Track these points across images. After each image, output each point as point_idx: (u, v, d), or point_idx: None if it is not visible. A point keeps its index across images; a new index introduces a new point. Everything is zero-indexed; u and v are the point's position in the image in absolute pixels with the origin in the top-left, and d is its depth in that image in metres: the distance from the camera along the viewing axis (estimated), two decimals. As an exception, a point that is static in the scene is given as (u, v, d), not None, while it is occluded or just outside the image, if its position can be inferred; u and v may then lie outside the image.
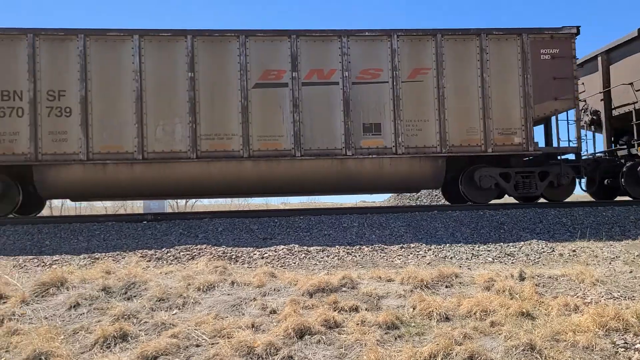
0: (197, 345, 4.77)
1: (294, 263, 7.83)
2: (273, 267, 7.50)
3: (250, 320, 5.23)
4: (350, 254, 8.18)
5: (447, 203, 13.92)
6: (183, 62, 10.98)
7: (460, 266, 7.48)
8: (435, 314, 5.35)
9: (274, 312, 5.53)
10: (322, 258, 8.02)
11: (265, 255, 8.08)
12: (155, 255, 8.18)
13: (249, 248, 8.44)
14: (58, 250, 8.48)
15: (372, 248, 8.44)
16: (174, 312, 5.63)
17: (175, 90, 10.96)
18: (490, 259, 7.95)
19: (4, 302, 5.79)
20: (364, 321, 5.22)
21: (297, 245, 8.49)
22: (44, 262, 7.80)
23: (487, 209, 10.72)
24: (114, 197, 12.06)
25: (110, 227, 9.65)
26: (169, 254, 8.21)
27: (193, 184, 11.14)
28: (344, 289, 6.21)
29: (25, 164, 10.59)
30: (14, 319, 5.38)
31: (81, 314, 5.57)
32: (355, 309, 5.57)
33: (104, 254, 8.28)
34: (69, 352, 4.62)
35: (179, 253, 8.23)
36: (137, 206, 28.96)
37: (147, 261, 7.94)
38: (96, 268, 7.11)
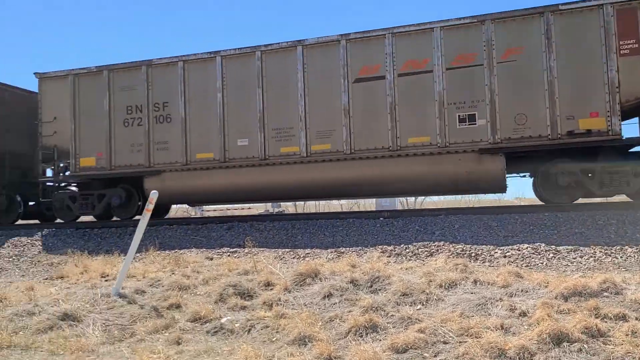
0: (445, 342, 4.75)
1: (541, 263, 7.26)
2: (517, 266, 7.07)
3: (498, 321, 5.00)
4: (610, 255, 7.24)
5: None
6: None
7: None
8: None
9: (524, 314, 5.20)
10: (574, 259, 7.28)
11: (508, 253, 7.67)
12: (395, 251, 8.44)
13: (489, 246, 8.12)
14: (309, 244, 9.39)
15: (637, 249, 7.33)
16: (418, 307, 5.72)
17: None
18: None
19: (271, 289, 6.62)
20: (635, 332, 4.54)
21: (543, 244, 7.86)
22: (298, 255, 8.70)
23: None
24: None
25: (351, 223, 10.30)
26: (407, 250, 8.39)
27: None
28: (605, 294, 5.51)
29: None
30: (280, 304, 6.11)
31: (334, 304, 6.04)
32: (623, 317, 4.88)
33: (347, 248, 8.88)
34: (327, 337, 5.04)
35: (417, 249, 8.35)
36: (368, 203, 30.28)
37: (387, 256, 8.25)
38: (342, 261, 7.65)
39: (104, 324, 5.86)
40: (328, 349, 4.70)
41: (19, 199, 14.22)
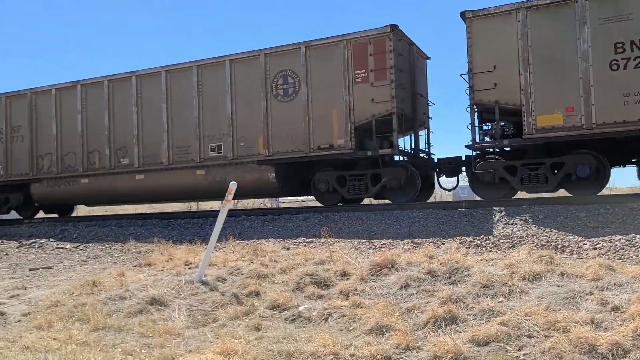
0: (529, 336, 4.55)
1: (636, 256, 6.76)
2: (609, 258, 6.64)
3: (588, 316, 4.72)
4: None
5: None
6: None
7: None
8: None
9: (616, 309, 4.87)
10: (673, 251, 6.72)
11: (598, 245, 7.21)
12: (474, 242, 8.19)
13: (576, 237, 7.68)
14: (384, 234, 9.30)
15: None
16: (499, 299, 5.52)
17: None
18: None
19: (347, 279, 6.63)
20: None
21: (638, 236, 7.32)
22: (374, 245, 8.66)
23: None
24: None
25: (428, 214, 10.10)
26: (487, 242, 8.11)
27: None
28: None
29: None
30: (357, 293, 6.11)
31: (411, 294, 5.96)
32: None
33: (424, 239, 8.71)
34: (405, 327, 4.98)
35: (499, 241, 8.04)
36: (445, 195, 29.43)
37: (466, 247, 8.01)
38: (419, 252, 7.51)
39: (188, 309, 6.13)
40: (406, 339, 4.64)
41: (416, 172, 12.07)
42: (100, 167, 14.32)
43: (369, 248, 8.57)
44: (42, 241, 11.83)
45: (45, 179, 15.10)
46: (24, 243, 11.83)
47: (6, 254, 11.04)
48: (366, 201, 14.13)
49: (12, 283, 8.11)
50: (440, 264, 6.66)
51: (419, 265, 6.73)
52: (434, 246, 8.22)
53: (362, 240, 9.03)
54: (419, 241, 8.63)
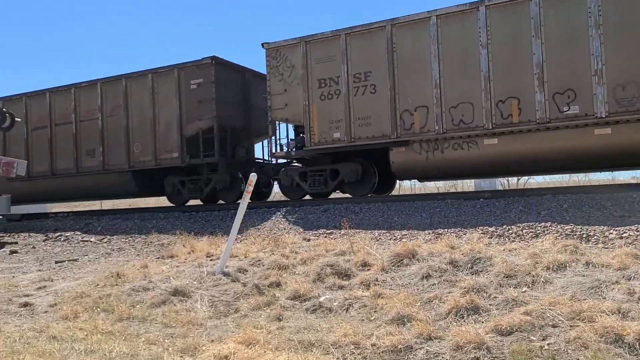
0: (554, 326, 4.48)
1: (664, 245, 6.60)
2: (636, 248, 6.48)
3: (614, 305, 4.62)
4: None
5: None
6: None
7: None
8: None
9: (644, 298, 4.76)
10: None
11: (625, 234, 7.05)
12: (497, 232, 8.08)
13: (602, 227, 7.52)
14: (405, 225, 9.25)
15: None
16: (523, 289, 5.44)
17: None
18: None
19: (368, 269, 6.61)
20: None
21: (666, 224, 7.15)
22: (394, 236, 8.61)
23: None
24: None
25: (449, 204, 10.01)
26: (510, 232, 8.00)
27: None
28: None
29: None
30: (378, 284, 6.08)
31: (433, 285, 5.92)
32: None
33: (445, 229, 8.64)
34: (427, 317, 4.94)
35: (521, 230, 7.93)
36: (466, 185, 29.32)
37: (488, 238, 7.92)
38: (441, 243, 7.45)
39: (210, 300, 6.18)
40: (428, 328, 4.61)
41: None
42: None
43: (390, 239, 8.53)
44: (67, 234, 12.05)
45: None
46: (50, 236, 12.06)
47: (33, 247, 11.28)
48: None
49: (39, 275, 8.29)
50: (462, 254, 6.60)
51: (441, 255, 6.68)
52: (456, 236, 8.14)
53: (383, 231, 8.99)
54: (440, 231, 8.56)
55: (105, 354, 4.33)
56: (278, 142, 13.49)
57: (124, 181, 14.86)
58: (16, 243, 11.85)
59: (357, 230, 9.03)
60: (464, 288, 5.50)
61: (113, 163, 15.00)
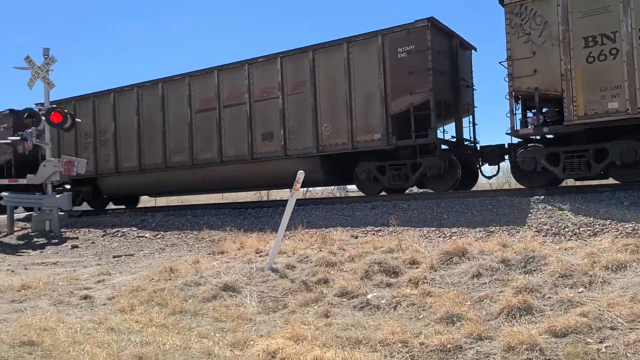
0: (612, 328, 4.29)
1: None
2: None
3: (679, 308, 4.38)
4: None
5: None
6: None
7: None
8: None
9: None
10: None
11: (691, 233, 6.67)
12: (552, 230, 7.82)
13: (666, 225, 7.14)
14: (455, 223, 9.08)
15: None
16: (579, 290, 5.24)
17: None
18: None
19: (416, 267, 6.54)
20: None
21: None
22: (444, 234, 8.47)
23: None
24: None
25: (501, 201, 9.75)
26: (566, 230, 7.72)
27: None
28: None
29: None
30: (426, 282, 6.01)
31: (483, 284, 5.79)
32: None
33: (497, 227, 8.42)
34: (477, 317, 4.84)
35: (578, 229, 7.63)
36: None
37: (542, 236, 7.67)
38: (492, 241, 7.27)
39: (259, 295, 6.28)
40: (478, 328, 4.52)
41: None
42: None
43: (439, 236, 8.40)
44: (124, 230, 12.53)
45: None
46: (108, 232, 12.58)
47: (92, 242, 11.79)
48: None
49: (98, 269, 8.65)
50: (515, 252, 6.42)
51: (492, 254, 6.52)
52: (508, 234, 7.93)
53: (432, 229, 8.86)
54: (491, 229, 8.36)
55: (159, 346, 4.47)
56: (516, 118, 10.82)
57: (310, 168, 12.27)
58: (77, 238, 12.43)
59: (406, 228, 8.94)
60: (517, 288, 5.35)
61: (295, 147, 13.27)
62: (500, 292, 5.42)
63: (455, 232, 8.46)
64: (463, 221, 9.13)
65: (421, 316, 5.15)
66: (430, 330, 4.68)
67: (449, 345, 4.30)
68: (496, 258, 6.29)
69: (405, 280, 6.16)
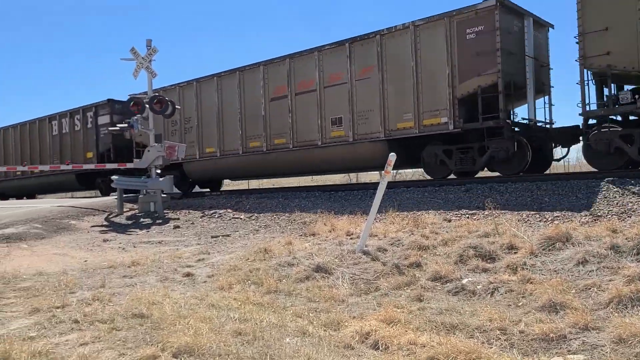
0: None
1: None
2: None
3: None
4: None
5: None
6: None
7: None
8: None
9: None
10: None
11: None
12: (668, 214, 7.13)
13: None
14: (557, 206, 8.56)
15: None
16: (703, 280, 4.75)
17: None
18: None
19: (515, 252, 6.25)
20: None
21: None
22: (545, 218, 8.02)
23: None
24: None
25: (611, 183, 9.03)
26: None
27: None
28: None
29: None
30: (526, 268, 5.73)
31: (590, 271, 5.41)
32: None
33: (606, 211, 7.84)
34: (583, 306, 4.55)
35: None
36: None
37: (657, 221, 7.02)
38: (600, 226, 6.78)
39: (351, 277, 6.32)
40: (584, 318, 4.24)
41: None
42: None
43: (539, 220, 7.96)
44: (220, 212, 13.11)
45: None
46: (206, 213, 13.22)
47: (192, 223, 12.46)
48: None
49: (198, 248, 9.14)
50: (626, 238, 5.95)
51: (600, 239, 6.08)
52: (618, 219, 7.35)
53: (531, 213, 8.41)
54: (598, 213, 7.79)
55: (257, 323, 4.63)
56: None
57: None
58: (178, 219, 13.20)
59: (503, 211, 8.57)
60: (628, 276, 4.95)
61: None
62: (610, 280, 5.05)
63: (557, 216, 7.97)
64: (566, 205, 8.58)
65: (520, 303, 4.92)
66: (531, 318, 4.46)
67: (551, 335, 4.07)
68: (604, 244, 5.86)
69: (502, 265, 5.91)
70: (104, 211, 14.90)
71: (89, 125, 20.70)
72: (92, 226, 12.95)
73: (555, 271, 5.58)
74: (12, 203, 20.65)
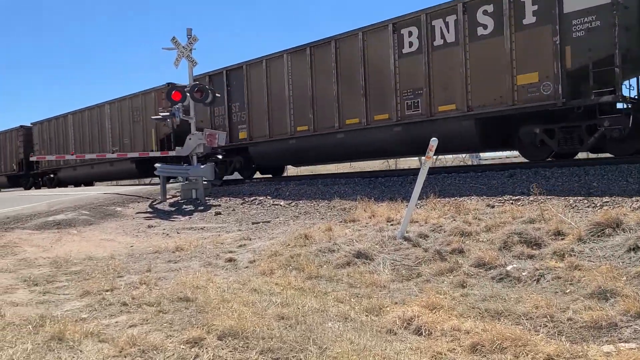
0: None
1: None
2: None
3: None
4: None
5: None
6: None
7: None
8: None
9: None
10: None
11: None
12: None
13: None
14: (607, 191, 8.26)
15: None
16: None
17: None
18: None
19: (562, 239, 6.08)
20: None
21: None
22: (593, 203, 7.75)
23: None
24: None
25: (663, 168, 8.65)
26: None
27: None
28: None
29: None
30: (574, 254, 5.56)
31: (642, 258, 5.21)
32: None
33: (658, 196, 7.51)
34: (635, 293, 4.38)
35: None
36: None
37: None
38: (653, 211, 6.51)
39: (392, 263, 6.29)
40: (636, 306, 4.09)
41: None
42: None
43: (588, 206, 7.70)
44: (260, 198, 13.25)
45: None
46: (247, 200, 13.39)
47: (233, 210, 12.64)
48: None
49: (239, 234, 9.27)
50: (682, 224, 5.69)
51: (654, 225, 5.84)
52: (672, 205, 7.03)
53: (579, 198, 8.15)
54: (651, 198, 7.48)
55: (299, 308, 4.68)
56: None
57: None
58: (219, 206, 13.41)
59: (549, 197, 8.33)
60: (685, 264, 4.75)
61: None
62: (664, 268, 4.85)
63: (607, 202, 7.69)
64: (616, 190, 8.27)
65: (568, 290, 4.79)
66: (580, 305, 4.34)
67: (602, 322, 3.96)
68: (658, 231, 5.63)
69: (549, 252, 5.76)
70: (147, 198, 15.29)
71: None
72: (137, 213, 13.32)
73: (605, 258, 5.40)
74: (60, 191, 21.44)
